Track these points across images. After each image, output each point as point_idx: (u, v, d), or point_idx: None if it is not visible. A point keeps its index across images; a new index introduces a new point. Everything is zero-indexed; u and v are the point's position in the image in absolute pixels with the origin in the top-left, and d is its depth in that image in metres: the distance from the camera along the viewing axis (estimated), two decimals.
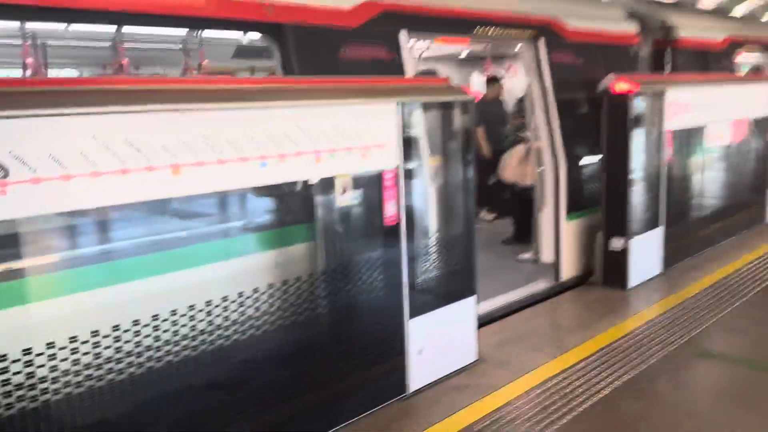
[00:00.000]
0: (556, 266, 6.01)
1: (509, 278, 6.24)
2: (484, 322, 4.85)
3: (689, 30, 8.15)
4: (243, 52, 7.83)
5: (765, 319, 5.08)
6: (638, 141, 5.87)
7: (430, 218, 4.12)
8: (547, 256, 6.07)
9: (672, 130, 6.13)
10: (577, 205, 6.06)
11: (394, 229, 3.63)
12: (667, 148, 6.13)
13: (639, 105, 5.81)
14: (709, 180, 7.05)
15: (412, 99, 3.73)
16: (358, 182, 3.52)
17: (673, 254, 6.42)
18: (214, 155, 2.78)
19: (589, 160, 6.16)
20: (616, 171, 5.75)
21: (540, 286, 5.93)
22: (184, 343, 2.95)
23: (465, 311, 4.20)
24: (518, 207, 7.16)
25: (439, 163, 4.13)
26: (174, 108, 2.69)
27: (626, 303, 5.51)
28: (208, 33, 6.28)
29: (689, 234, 6.73)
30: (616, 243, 5.82)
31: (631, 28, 7.08)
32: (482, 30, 5.36)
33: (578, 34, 6.25)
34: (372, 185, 3.56)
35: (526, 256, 6.88)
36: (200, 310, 3.00)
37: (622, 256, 5.80)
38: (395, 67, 4.51)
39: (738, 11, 14.32)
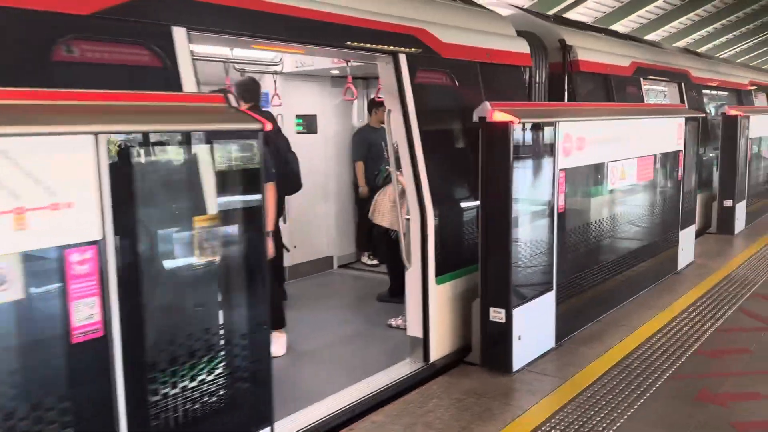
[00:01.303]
0: (425, 342, 4.67)
1: (368, 357, 4.90)
2: None
3: (591, 52, 7.16)
4: None
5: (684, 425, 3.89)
6: (524, 183, 4.68)
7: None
8: (414, 328, 4.73)
9: (565, 169, 4.97)
10: (450, 263, 4.78)
11: (95, 355, 2.16)
12: (561, 192, 4.96)
13: (524, 139, 4.63)
14: (611, 227, 5.93)
15: (128, 128, 2.29)
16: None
17: (570, 322, 5.23)
18: None
19: (467, 207, 4.92)
20: (496, 221, 4.50)
21: (401, 370, 4.58)
22: None
23: None
24: (393, 258, 5.84)
25: (207, 225, 2.70)
26: None
27: (508, 398, 4.21)
28: None
29: (589, 296, 5.57)
30: (497, 313, 4.56)
31: (521, 46, 5.95)
32: (318, 37, 4.03)
33: (455, 51, 5.03)
34: (43, 275, 2.09)
35: (398, 322, 5.56)
36: None
37: (504, 329, 4.54)
38: (163, 79, 3.09)
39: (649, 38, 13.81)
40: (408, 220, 4.66)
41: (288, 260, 7.26)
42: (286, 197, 6.77)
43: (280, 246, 6.28)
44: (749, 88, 13.38)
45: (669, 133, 6.86)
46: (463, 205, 4.86)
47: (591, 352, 4.95)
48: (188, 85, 3.14)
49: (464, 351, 4.84)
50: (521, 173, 4.60)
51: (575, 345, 5.10)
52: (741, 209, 9.84)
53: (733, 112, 9.50)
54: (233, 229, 2.73)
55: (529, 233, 4.77)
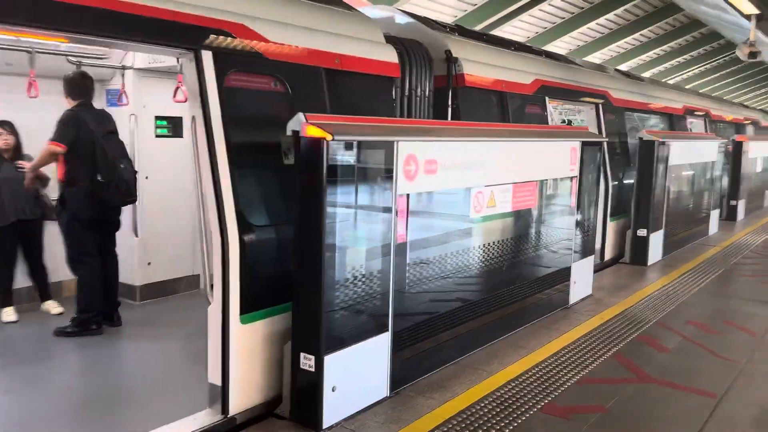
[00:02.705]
0: (223, 392, 3.98)
1: (173, 402, 4.22)
2: None
3: (481, 66, 6.59)
4: None
5: None
6: (349, 208, 4.04)
7: None
8: (213, 375, 4.04)
9: (407, 195, 4.35)
10: (261, 298, 4.11)
11: None
12: (401, 220, 4.33)
13: (353, 158, 3.99)
14: (475, 259, 5.31)
15: None
16: None
17: (412, 367, 4.62)
18: None
19: (287, 234, 4.25)
20: (306, 251, 3.86)
21: (189, 425, 3.88)
22: None
23: None
24: None
25: None
26: None
27: None
28: None
29: (441, 336, 4.95)
30: (307, 360, 3.90)
31: (387, 55, 5.34)
32: (88, 25, 3.34)
33: (286, 52, 4.38)
34: None
35: None
36: None
37: (314, 378, 3.89)
38: None
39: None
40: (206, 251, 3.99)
41: (138, 279, 6.54)
42: (128, 207, 6.07)
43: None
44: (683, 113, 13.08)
45: (559, 158, 6.32)
46: (282, 232, 4.18)
47: (427, 404, 4.32)
48: None
49: (277, 402, 4.17)
50: (346, 197, 3.96)
51: (414, 394, 4.47)
52: (656, 239, 9.40)
53: (648, 138, 9.06)
54: None
55: (358, 266, 4.12)
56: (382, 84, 5.31)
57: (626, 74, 12.34)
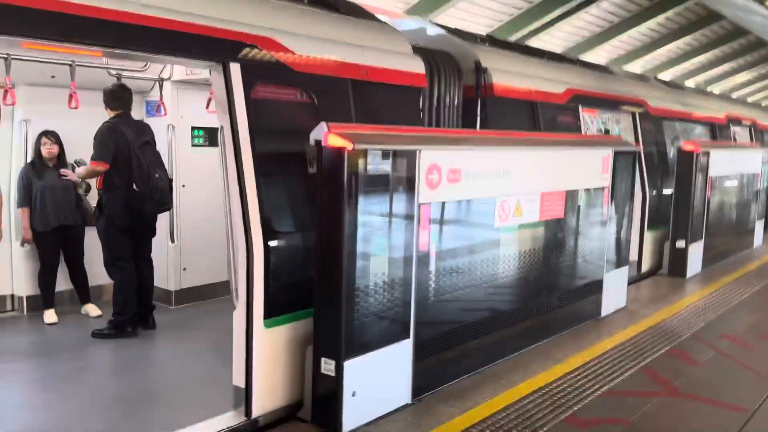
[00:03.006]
0: (246, 395, 4.09)
1: (200, 404, 4.33)
2: None
3: (511, 76, 6.60)
4: None
5: None
6: (372, 217, 4.11)
7: None
8: (237, 377, 4.15)
9: (430, 204, 4.40)
10: (285, 304, 4.20)
11: None
12: (424, 229, 4.38)
13: (375, 167, 4.06)
14: (502, 268, 5.30)
15: None
16: None
17: (436, 375, 4.65)
18: None
19: (308, 240, 4.34)
20: (328, 258, 3.94)
21: (215, 426, 3.99)
22: None
23: None
24: None
25: None
26: None
27: None
28: None
29: (468, 345, 4.97)
30: (327, 364, 3.98)
31: (414, 66, 5.41)
32: (122, 39, 3.51)
33: (314, 65, 4.49)
34: None
35: None
36: None
37: (334, 383, 3.96)
38: None
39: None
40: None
41: (173, 284, 6.74)
42: (165, 214, 6.27)
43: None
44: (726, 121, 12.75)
45: (589, 167, 6.27)
46: (306, 239, 4.28)
47: (448, 411, 4.35)
48: None
49: (299, 405, 4.25)
50: (368, 205, 4.03)
51: (436, 402, 4.49)
52: (696, 251, 9.19)
53: (688, 147, 8.89)
54: None
55: (379, 273, 4.18)
56: (409, 94, 5.38)
57: (666, 83, 12.12)
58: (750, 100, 24.25)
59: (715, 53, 19.97)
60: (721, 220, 10.18)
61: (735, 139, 13.52)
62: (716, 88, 22.68)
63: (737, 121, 13.55)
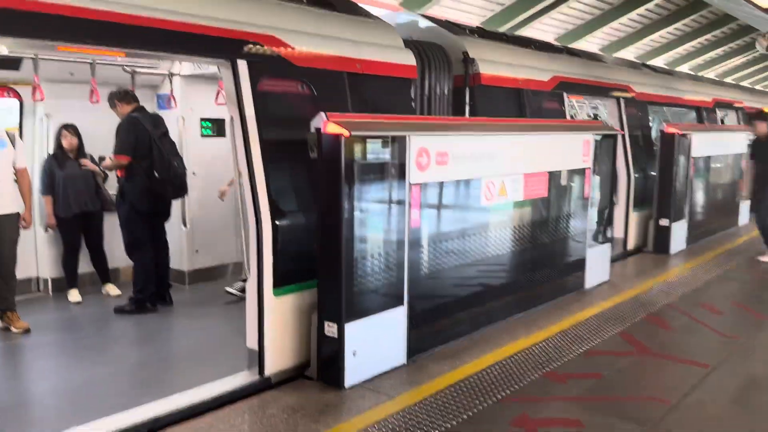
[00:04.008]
0: (260, 355, 4.60)
1: (217, 367, 4.83)
2: None
3: (497, 65, 7.06)
4: None
5: None
6: (368, 196, 4.59)
7: None
8: (251, 340, 4.66)
9: (420, 184, 4.88)
10: (292, 275, 4.70)
11: None
12: (415, 206, 4.87)
13: (370, 152, 4.55)
14: (489, 243, 5.79)
15: None
16: None
17: (429, 338, 5.15)
18: None
19: (311, 218, 4.83)
20: (329, 233, 4.43)
21: (231, 383, 4.50)
22: None
23: None
24: None
25: None
26: None
27: (323, 415, 4.12)
28: None
29: (458, 312, 5.48)
30: (330, 327, 4.48)
31: (406, 58, 5.87)
32: (137, 42, 3.98)
33: (312, 59, 4.96)
34: None
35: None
36: None
37: (337, 343, 4.46)
38: None
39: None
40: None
41: (187, 265, 7.24)
42: (178, 200, 6.76)
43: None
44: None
45: (570, 150, 6.74)
46: (309, 217, 4.76)
47: (439, 369, 4.85)
48: None
49: (306, 365, 4.76)
50: (364, 186, 4.51)
51: (428, 362, 5.00)
52: (679, 228, 9.66)
53: (670, 130, 9.34)
54: None
55: (375, 247, 4.68)
56: (401, 85, 5.85)
57: (653, 68, 12.53)
58: (746, 83, 24.63)
59: (706, 38, 20.33)
60: (705, 199, 10.65)
61: (722, 122, 13.95)
62: (710, 74, 23.04)
63: (726, 105, 13.97)
